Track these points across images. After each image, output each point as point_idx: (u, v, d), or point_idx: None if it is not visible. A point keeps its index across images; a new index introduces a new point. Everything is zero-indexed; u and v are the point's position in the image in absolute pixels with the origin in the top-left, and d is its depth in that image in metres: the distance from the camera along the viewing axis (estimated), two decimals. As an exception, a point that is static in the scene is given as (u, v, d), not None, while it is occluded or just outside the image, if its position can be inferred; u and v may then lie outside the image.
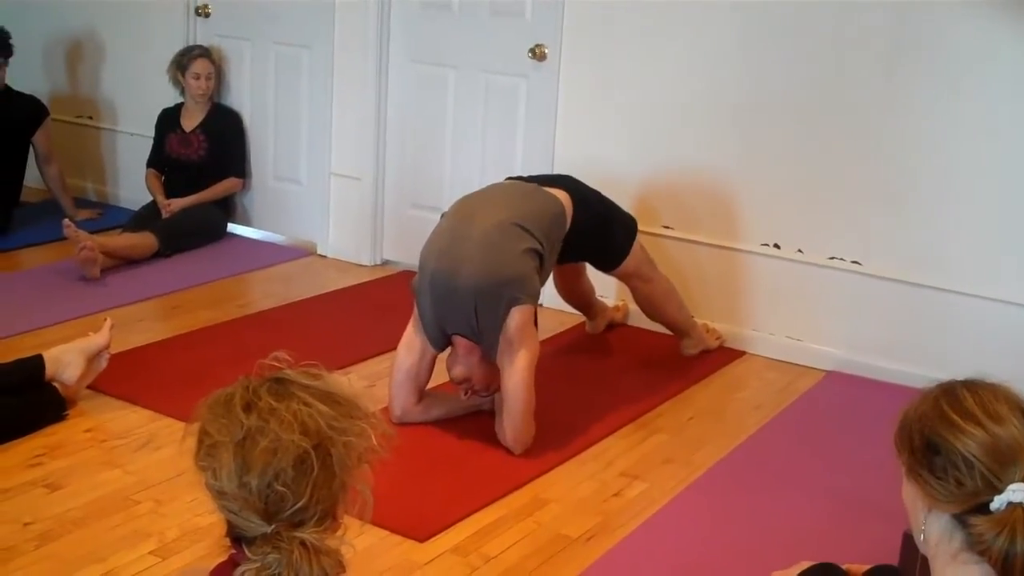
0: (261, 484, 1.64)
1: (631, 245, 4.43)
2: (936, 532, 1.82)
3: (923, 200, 4.53)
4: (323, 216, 6.04)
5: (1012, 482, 1.73)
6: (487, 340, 3.84)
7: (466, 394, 4.00)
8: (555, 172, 4.83)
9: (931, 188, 4.50)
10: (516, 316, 3.77)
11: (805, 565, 2.39)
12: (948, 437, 1.78)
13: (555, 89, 5.21)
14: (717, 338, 4.93)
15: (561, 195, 4.14)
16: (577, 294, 4.90)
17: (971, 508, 1.76)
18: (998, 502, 1.73)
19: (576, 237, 4.16)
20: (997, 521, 1.72)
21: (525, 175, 4.47)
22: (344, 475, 1.69)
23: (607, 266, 4.53)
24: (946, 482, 1.78)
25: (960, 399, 1.81)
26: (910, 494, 1.87)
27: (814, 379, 4.69)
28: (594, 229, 4.27)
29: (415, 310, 4.00)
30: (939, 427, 1.79)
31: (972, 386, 1.84)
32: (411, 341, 4.00)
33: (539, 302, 3.90)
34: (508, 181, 4.32)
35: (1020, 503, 1.72)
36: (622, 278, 4.61)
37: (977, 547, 1.75)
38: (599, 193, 4.39)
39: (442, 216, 4.14)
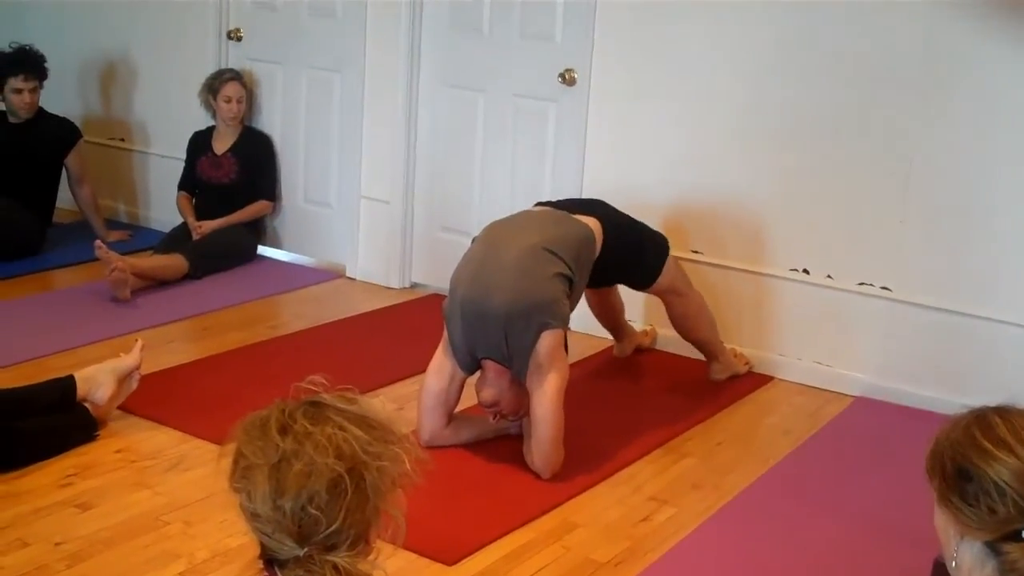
0: (295, 507, 1.64)
1: (663, 264, 4.44)
2: (968, 560, 1.81)
3: (954, 226, 4.51)
4: (352, 239, 6.06)
5: None
6: (517, 364, 3.85)
7: (495, 418, 4.01)
8: (584, 197, 4.83)
9: (963, 214, 4.49)
10: (546, 340, 3.79)
11: None
12: (980, 464, 1.77)
13: (584, 113, 5.22)
14: (745, 363, 4.93)
15: (590, 221, 4.15)
16: (608, 310, 4.91)
17: (1004, 535, 1.75)
18: None
19: (607, 261, 4.18)
20: None
21: (555, 200, 4.48)
22: (377, 499, 1.70)
23: (641, 286, 4.55)
24: (978, 509, 1.77)
25: (992, 426, 1.80)
26: (942, 521, 1.86)
27: (843, 405, 4.68)
28: (624, 253, 4.29)
29: (445, 334, 4.02)
30: (971, 454, 1.79)
31: (1004, 412, 1.83)
32: (441, 365, 4.02)
33: (568, 326, 3.90)
34: (538, 208, 4.33)
35: None
36: (657, 294, 4.62)
37: (1010, 574, 1.74)
38: (628, 217, 4.39)
39: (472, 241, 4.17)
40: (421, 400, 4.05)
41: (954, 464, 1.81)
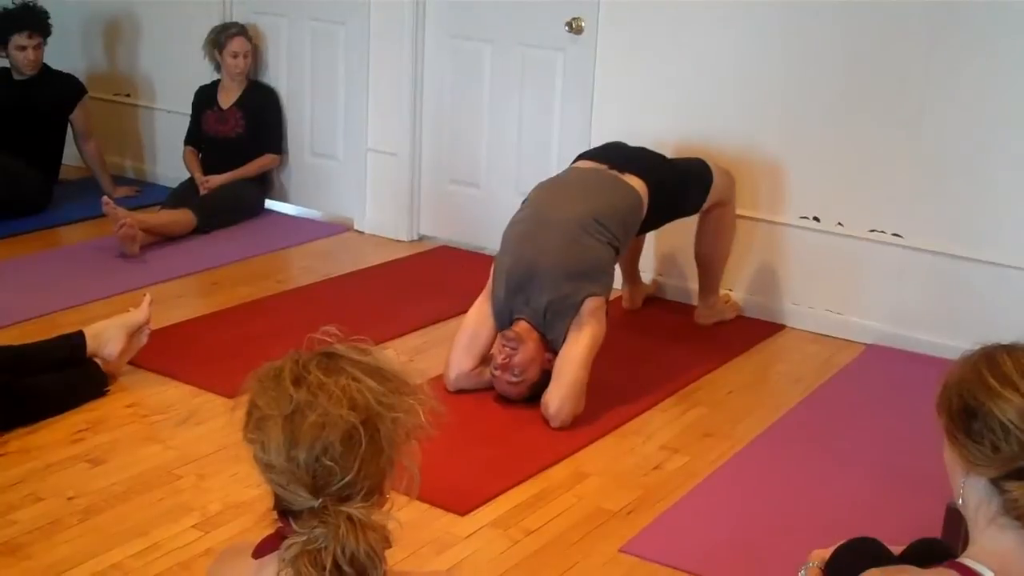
0: (309, 458, 1.64)
1: (707, 195, 4.52)
2: (974, 496, 1.82)
3: (965, 172, 4.48)
4: (360, 192, 6.04)
5: None
6: (553, 331, 3.95)
7: (503, 359, 3.97)
8: (626, 145, 4.74)
9: (973, 160, 4.46)
10: (590, 304, 3.93)
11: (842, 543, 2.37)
12: (986, 402, 1.77)
13: (592, 62, 5.19)
14: (734, 309, 4.95)
15: (637, 184, 4.22)
16: (631, 249, 4.87)
17: (1007, 473, 1.76)
18: None
19: (653, 216, 4.30)
20: None
21: (599, 148, 4.52)
22: (392, 451, 1.69)
23: (686, 216, 4.63)
24: (983, 447, 1.78)
25: (999, 364, 1.80)
26: (950, 458, 1.87)
27: (854, 352, 4.67)
28: (670, 205, 4.40)
29: (489, 283, 4.12)
30: (977, 392, 1.79)
31: (1012, 350, 1.83)
32: (481, 310, 4.13)
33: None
34: (585, 165, 4.36)
35: None
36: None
37: (1013, 512, 1.75)
38: (670, 164, 4.48)
39: (524, 201, 4.23)
40: (455, 340, 4.13)
41: (961, 401, 1.81)
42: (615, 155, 4.41)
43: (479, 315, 4.13)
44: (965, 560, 1.77)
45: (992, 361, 1.81)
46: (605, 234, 4.04)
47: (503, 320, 4.06)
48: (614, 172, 4.25)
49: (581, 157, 4.46)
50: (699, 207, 4.55)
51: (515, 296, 4.02)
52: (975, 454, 1.79)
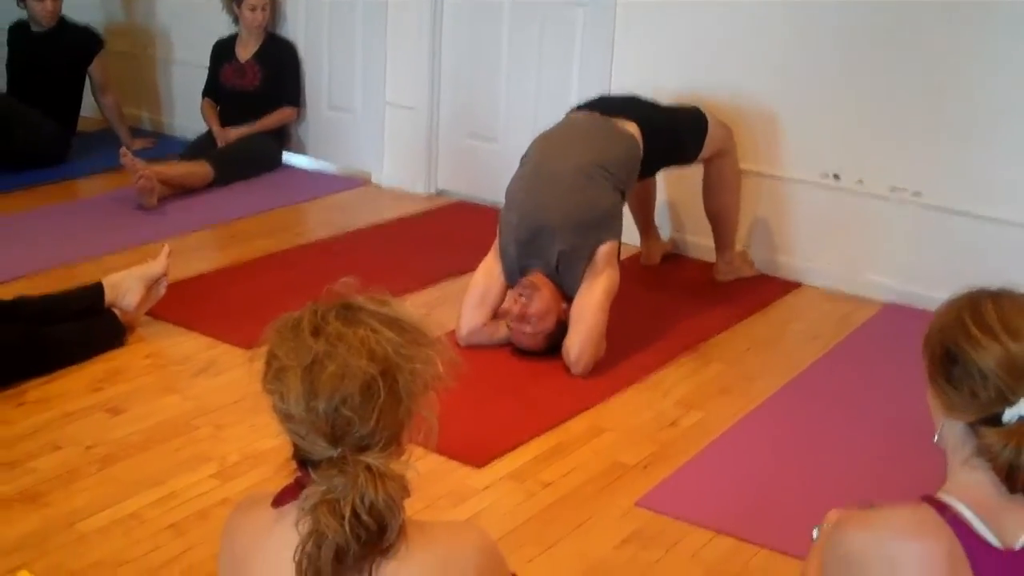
0: (328, 408, 1.64)
1: (703, 142, 4.51)
2: (951, 439, 1.84)
3: (986, 130, 4.45)
4: (378, 146, 6.03)
5: None
6: (567, 280, 3.96)
7: (518, 310, 3.97)
8: (617, 94, 4.75)
9: (994, 118, 4.43)
10: (603, 250, 3.96)
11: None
12: (966, 348, 1.78)
13: (612, 17, 5.15)
14: (751, 267, 4.94)
15: (632, 128, 4.22)
16: (643, 200, 4.93)
17: (983, 419, 1.77)
18: (1009, 415, 1.75)
19: (649, 159, 4.27)
20: (1006, 434, 1.74)
21: (591, 101, 4.49)
22: (410, 402, 1.69)
23: (685, 164, 4.64)
24: (961, 392, 1.79)
25: (982, 312, 1.81)
26: (931, 400, 1.90)
27: (871, 311, 4.66)
28: (665, 148, 4.39)
29: (497, 240, 4.12)
30: (958, 338, 1.80)
31: (998, 298, 1.83)
32: (490, 267, 4.13)
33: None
34: (580, 114, 4.36)
35: None
36: (701, 162, 4.67)
37: (986, 455, 1.76)
38: (661, 109, 4.47)
39: (522, 159, 4.22)
40: (466, 296, 4.13)
41: (942, 346, 1.83)
42: (607, 103, 4.43)
43: (488, 271, 4.14)
44: (941, 495, 1.79)
45: (975, 309, 1.81)
46: (609, 179, 4.05)
47: (514, 275, 4.06)
48: (608, 118, 4.26)
49: (574, 110, 4.47)
50: (697, 154, 4.54)
51: (526, 251, 4.02)
52: (953, 399, 1.81)
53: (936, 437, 1.89)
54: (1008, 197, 4.44)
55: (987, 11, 4.36)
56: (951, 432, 1.84)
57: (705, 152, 4.54)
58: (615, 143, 4.16)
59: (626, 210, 4.79)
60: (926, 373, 1.89)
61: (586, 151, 4.08)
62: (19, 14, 6.21)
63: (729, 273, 4.85)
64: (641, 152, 4.21)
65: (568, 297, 3.99)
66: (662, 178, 4.89)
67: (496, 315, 4.13)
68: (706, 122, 4.52)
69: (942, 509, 1.76)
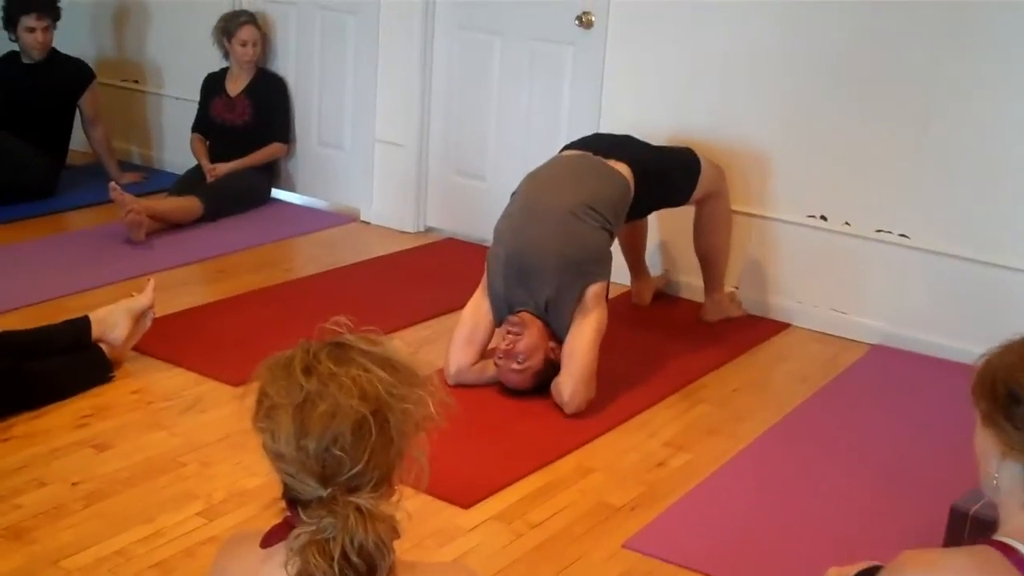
0: (319, 448, 1.63)
1: (695, 184, 4.52)
2: (1008, 480, 1.85)
3: (973, 173, 4.48)
4: (367, 182, 6.03)
5: None
6: (555, 320, 3.97)
7: (506, 345, 3.97)
8: (609, 133, 4.77)
9: (982, 161, 4.45)
10: (592, 290, 3.96)
11: (863, 565, 2.37)
12: None
13: (601, 57, 5.18)
14: (739, 306, 4.95)
15: (623, 168, 4.22)
16: (634, 240, 4.93)
17: None
18: None
19: (640, 201, 4.28)
20: None
21: (583, 139, 4.50)
22: (401, 442, 1.69)
23: (677, 206, 4.65)
24: (1023, 431, 1.81)
25: None
26: (984, 442, 1.89)
27: (859, 352, 4.67)
28: (656, 191, 4.39)
29: (484, 278, 4.11)
30: (1022, 377, 1.82)
31: None
32: (478, 305, 4.12)
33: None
34: (572, 153, 4.36)
35: None
36: (693, 203, 4.68)
37: None
38: (655, 150, 4.48)
39: (512, 196, 4.22)
40: (454, 335, 4.12)
41: (1005, 386, 1.84)
42: (598, 143, 4.43)
43: (476, 310, 4.12)
44: (1002, 538, 1.78)
45: None
46: (598, 219, 4.04)
47: (502, 313, 4.05)
48: (599, 158, 4.26)
49: (566, 148, 4.47)
50: (688, 195, 4.54)
51: (514, 289, 4.01)
52: (1014, 440, 1.82)
53: (992, 482, 1.88)
54: (995, 240, 4.47)
55: (976, 55, 4.39)
56: (1009, 474, 1.84)
57: (697, 193, 4.55)
58: (605, 184, 4.17)
59: (616, 249, 4.81)
60: (980, 415, 1.89)
61: (576, 191, 4.08)
62: (10, 46, 6.21)
63: (717, 313, 4.86)
64: (632, 194, 4.21)
65: (556, 337, 3.99)
66: (655, 217, 4.89)
67: (484, 355, 4.12)
68: (698, 163, 4.53)
69: (1007, 552, 1.75)
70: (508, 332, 3.97)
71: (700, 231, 4.75)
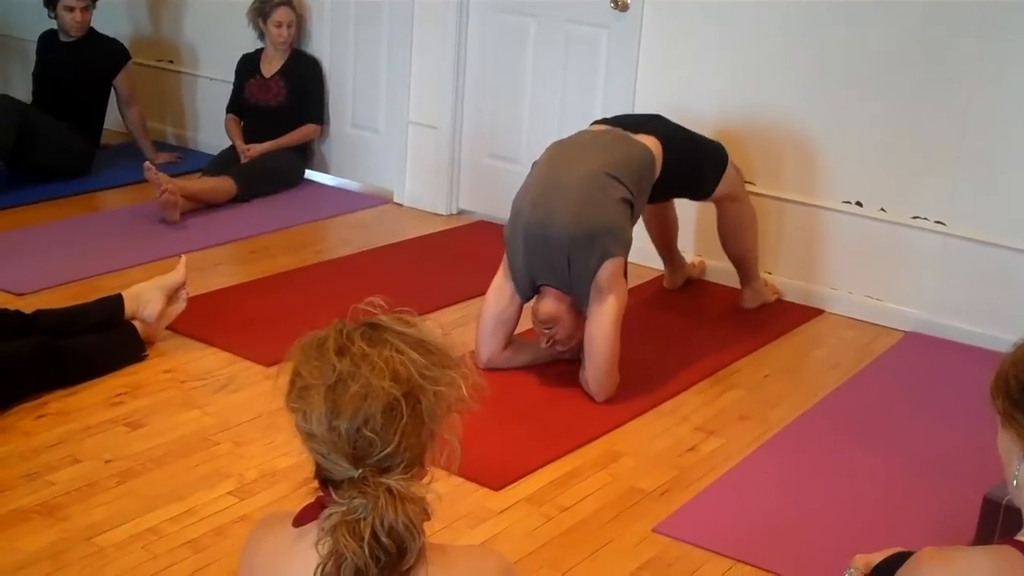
0: (350, 429, 1.64)
1: (721, 177, 4.44)
2: None
3: (1010, 160, 4.44)
4: (400, 164, 6.04)
5: None
6: (578, 291, 3.88)
7: (548, 342, 4.00)
8: (640, 112, 4.75)
9: (1018, 149, 4.41)
10: (608, 266, 3.82)
11: (890, 552, 2.35)
12: None
13: (637, 39, 5.15)
14: (775, 292, 4.93)
15: (650, 141, 4.14)
16: (664, 229, 4.89)
17: None
18: None
19: (667, 180, 4.18)
20: None
21: (612, 117, 4.45)
22: (433, 424, 1.69)
23: (699, 198, 4.60)
24: None
25: None
26: (1005, 441, 1.87)
27: (893, 339, 4.64)
28: (684, 170, 4.29)
29: (505, 258, 4.04)
30: None
31: None
32: (500, 288, 4.05)
33: (629, 252, 3.96)
34: (596, 127, 4.30)
35: None
36: (714, 202, 4.61)
37: None
38: (686, 131, 4.39)
39: (533, 165, 4.15)
40: (480, 323, 4.08)
41: (1019, 383, 1.82)
42: (629, 119, 4.38)
43: (499, 293, 4.04)
44: (1021, 538, 1.76)
45: None
46: (618, 188, 3.92)
47: (524, 289, 4.00)
48: (627, 132, 4.18)
49: (594, 123, 4.40)
50: (713, 188, 4.44)
51: (535, 262, 3.93)
52: None
53: (1012, 482, 1.86)
54: (1032, 228, 4.43)
55: (1018, 43, 4.35)
56: None
57: (721, 189, 4.45)
58: (629, 153, 4.05)
59: (648, 237, 4.79)
60: (999, 414, 1.87)
61: (596, 159, 3.97)
62: (49, 24, 6.24)
63: (755, 300, 4.83)
64: (657, 169, 4.11)
65: (583, 306, 3.93)
66: (686, 203, 4.87)
67: (512, 338, 4.10)
68: (727, 159, 4.46)
69: None
70: (544, 331, 3.96)
71: (728, 237, 4.70)
